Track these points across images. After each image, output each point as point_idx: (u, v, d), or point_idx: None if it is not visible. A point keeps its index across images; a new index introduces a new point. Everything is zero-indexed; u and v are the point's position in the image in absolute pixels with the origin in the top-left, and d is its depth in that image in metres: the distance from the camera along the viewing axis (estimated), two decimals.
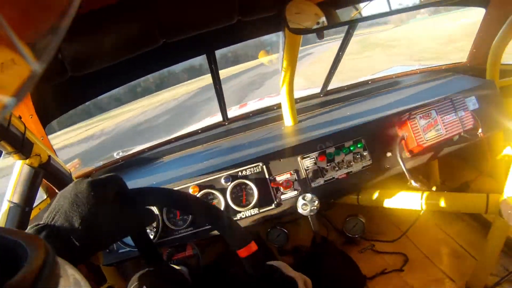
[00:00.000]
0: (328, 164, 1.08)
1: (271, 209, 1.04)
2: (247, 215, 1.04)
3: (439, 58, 6.85)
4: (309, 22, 1.04)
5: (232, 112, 1.49)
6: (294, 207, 1.03)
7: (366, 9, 1.07)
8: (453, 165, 1.47)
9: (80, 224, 0.46)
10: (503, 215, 1.02)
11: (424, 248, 1.35)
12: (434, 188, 1.48)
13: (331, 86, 1.51)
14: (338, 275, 1.13)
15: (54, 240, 0.45)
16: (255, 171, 1.05)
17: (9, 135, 0.73)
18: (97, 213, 0.48)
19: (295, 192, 1.05)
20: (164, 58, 1.19)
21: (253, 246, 0.53)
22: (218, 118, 1.48)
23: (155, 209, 1.00)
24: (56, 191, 1.09)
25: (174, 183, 1.05)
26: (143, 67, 1.21)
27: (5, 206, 0.86)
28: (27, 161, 0.85)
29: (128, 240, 1.00)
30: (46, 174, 0.94)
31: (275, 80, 1.51)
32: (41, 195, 1.17)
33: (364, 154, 1.10)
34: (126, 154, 1.42)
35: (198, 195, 1.03)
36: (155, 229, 1.03)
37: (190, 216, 1.03)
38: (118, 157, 1.39)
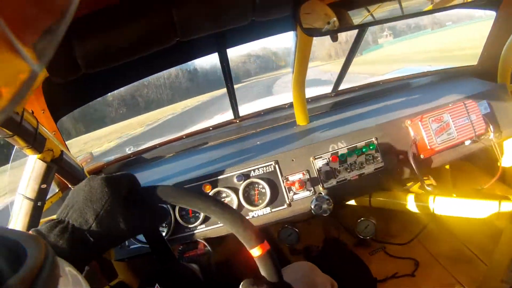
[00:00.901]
0: (341, 165, 1.10)
1: (283, 209, 1.07)
2: (259, 214, 1.06)
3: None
4: (321, 24, 1.07)
5: (243, 110, 1.51)
6: (306, 208, 1.05)
7: (378, 13, 1.11)
8: (464, 170, 1.49)
9: (94, 220, 0.48)
10: None
11: (434, 252, 1.37)
12: (444, 192, 1.50)
13: (342, 86, 1.55)
14: (349, 276, 1.15)
15: (68, 236, 0.47)
16: (268, 170, 1.07)
17: (22, 130, 0.75)
18: (111, 209, 0.49)
19: (308, 193, 1.07)
20: (176, 56, 1.22)
21: (265, 246, 0.53)
22: (229, 115, 1.50)
23: (168, 207, 1.02)
24: (69, 185, 1.11)
25: (186, 180, 1.07)
26: (155, 64, 1.24)
27: (18, 200, 0.88)
28: (40, 155, 0.87)
29: (140, 236, 1.02)
30: (59, 169, 0.97)
31: None
32: (52, 188, 1.20)
33: (376, 156, 1.12)
34: (138, 149, 1.45)
35: (210, 193, 1.05)
36: (167, 226, 1.05)
37: (202, 213, 1.05)
38: (129, 152, 1.42)
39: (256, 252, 0.52)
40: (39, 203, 0.90)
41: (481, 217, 1.27)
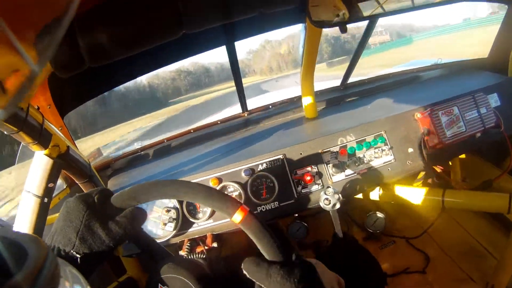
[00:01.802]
0: (349, 158, 1.11)
1: (291, 203, 1.08)
2: (267, 209, 1.07)
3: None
4: (331, 16, 1.09)
5: (251, 104, 1.53)
6: (315, 202, 1.07)
7: (388, 4, 1.12)
8: (474, 163, 1.50)
9: (76, 237, 0.51)
10: None
11: (444, 245, 1.39)
12: (454, 186, 1.52)
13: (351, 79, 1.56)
14: (359, 271, 1.16)
15: None
16: (276, 164, 1.08)
17: (27, 126, 0.75)
18: (89, 223, 0.53)
19: (316, 186, 1.09)
20: (183, 49, 1.23)
21: (244, 208, 0.54)
22: (237, 109, 1.52)
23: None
24: (75, 181, 1.14)
25: (193, 174, 1.09)
26: (161, 58, 1.25)
27: (25, 197, 0.88)
28: (46, 151, 0.88)
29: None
30: (65, 165, 0.97)
31: None
32: (60, 184, 1.22)
33: (385, 149, 1.13)
34: (145, 144, 1.47)
35: (217, 188, 1.07)
36: (175, 221, 1.08)
37: (210, 208, 1.07)
38: (137, 147, 1.44)
39: (238, 217, 0.53)
40: (45, 200, 0.90)
41: (492, 211, 1.29)
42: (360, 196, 1.31)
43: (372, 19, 1.24)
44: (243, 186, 1.07)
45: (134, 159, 1.40)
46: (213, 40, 1.23)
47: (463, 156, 1.28)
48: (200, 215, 1.08)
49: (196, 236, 1.12)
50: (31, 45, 0.18)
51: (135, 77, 1.29)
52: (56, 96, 1.10)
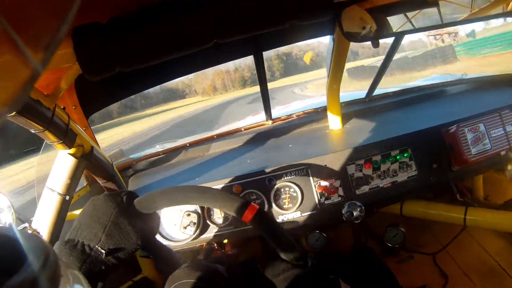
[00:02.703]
0: (374, 172, 1.14)
1: (314, 214, 1.11)
2: (289, 218, 1.11)
3: None
4: (358, 29, 1.12)
5: (276, 112, 1.56)
6: (338, 213, 1.09)
7: (417, 20, 1.15)
8: (498, 181, 1.51)
9: (103, 233, 0.55)
10: None
11: (464, 264, 1.40)
12: (477, 204, 1.53)
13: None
14: (376, 284, 1.19)
15: (78, 253, 0.53)
16: (300, 174, 1.11)
17: (53, 125, 0.78)
18: (117, 221, 0.56)
19: (340, 198, 1.12)
20: (211, 57, 1.28)
21: (253, 207, 0.56)
22: (261, 117, 1.56)
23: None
24: (97, 180, 1.18)
25: (215, 181, 1.12)
26: (190, 65, 1.29)
27: (46, 193, 0.92)
28: (70, 151, 0.91)
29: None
30: (88, 164, 1.00)
31: None
32: (80, 181, 1.27)
33: (410, 164, 1.15)
34: (167, 147, 1.51)
35: (240, 195, 1.11)
36: (195, 225, 1.12)
37: (231, 215, 1.11)
38: (160, 149, 1.49)
39: (248, 216, 0.56)
40: (67, 197, 0.93)
41: None
42: (381, 209, 1.32)
43: (400, 35, 1.27)
44: (266, 194, 1.10)
45: (156, 162, 1.44)
46: (242, 50, 1.28)
47: (487, 173, 1.30)
48: (220, 220, 1.12)
49: (215, 241, 1.16)
50: (34, 43, 0.18)
51: (162, 83, 1.33)
52: (82, 97, 1.15)
